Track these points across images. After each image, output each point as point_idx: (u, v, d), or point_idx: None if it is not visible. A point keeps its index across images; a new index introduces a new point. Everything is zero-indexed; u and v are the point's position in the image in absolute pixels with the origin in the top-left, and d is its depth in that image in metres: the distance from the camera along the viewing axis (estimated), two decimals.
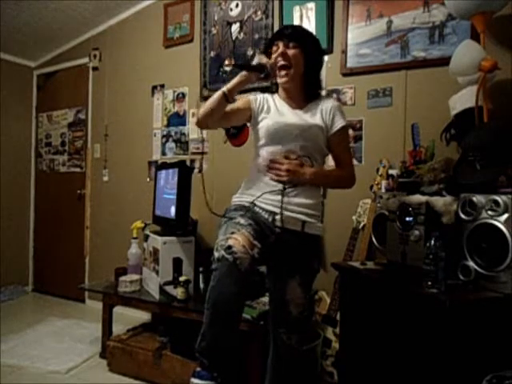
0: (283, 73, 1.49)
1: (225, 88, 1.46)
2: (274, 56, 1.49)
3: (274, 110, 1.55)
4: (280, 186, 1.45)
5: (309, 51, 1.51)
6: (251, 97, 1.60)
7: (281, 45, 1.49)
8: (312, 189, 1.51)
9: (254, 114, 1.56)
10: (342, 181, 1.61)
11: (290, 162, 1.45)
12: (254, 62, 1.47)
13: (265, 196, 1.46)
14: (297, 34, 1.51)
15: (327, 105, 1.55)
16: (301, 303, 1.51)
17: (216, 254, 1.26)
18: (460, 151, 1.84)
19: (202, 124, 1.53)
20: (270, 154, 1.50)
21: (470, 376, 1.24)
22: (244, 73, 1.45)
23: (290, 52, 1.48)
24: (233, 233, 1.30)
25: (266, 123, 1.52)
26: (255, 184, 1.51)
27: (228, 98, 1.45)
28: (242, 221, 1.37)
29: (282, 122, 1.49)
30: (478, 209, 1.42)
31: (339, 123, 1.53)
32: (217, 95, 1.46)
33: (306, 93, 1.56)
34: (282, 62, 1.48)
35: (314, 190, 1.52)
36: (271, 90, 1.67)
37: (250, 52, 2.77)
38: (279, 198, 1.44)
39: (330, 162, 1.67)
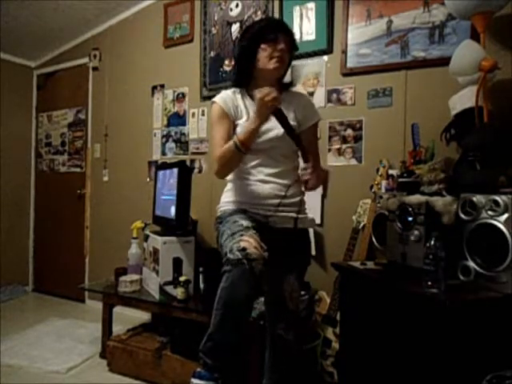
0: (277, 65, 1.45)
1: (237, 139, 1.37)
2: (278, 48, 1.43)
3: (246, 117, 1.49)
4: (277, 199, 1.46)
5: (293, 53, 1.53)
6: (219, 103, 1.50)
7: (283, 41, 1.45)
8: (298, 185, 1.52)
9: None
10: None
11: (321, 172, 1.43)
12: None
13: (254, 201, 1.47)
14: (293, 37, 1.51)
15: (299, 101, 1.56)
16: (297, 296, 1.55)
17: (230, 256, 1.24)
18: (460, 151, 1.84)
19: (223, 177, 1.51)
20: (248, 162, 1.49)
21: (470, 376, 1.24)
22: (263, 115, 1.34)
23: (288, 52, 1.47)
24: (242, 235, 1.29)
25: (239, 131, 1.47)
26: (241, 190, 1.51)
27: (242, 150, 1.37)
28: (245, 223, 1.37)
29: (258, 133, 1.44)
30: (478, 209, 1.42)
31: (313, 119, 1.56)
32: (230, 151, 1.39)
33: (279, 88, 1.52)
34: (277, 65, 1.44)
35: (299, 186, 1.54)
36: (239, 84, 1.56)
37: None
38: (273, 201, 1.46)
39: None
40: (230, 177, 1.56)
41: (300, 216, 1.51)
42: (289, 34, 1.49)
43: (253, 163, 1.49)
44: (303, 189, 1.50)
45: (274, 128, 1.46)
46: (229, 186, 1.58)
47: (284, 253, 1.49)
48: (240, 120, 1.50)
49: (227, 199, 1.54)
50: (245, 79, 1.53)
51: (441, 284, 1.35)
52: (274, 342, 1.56)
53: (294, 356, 1.56)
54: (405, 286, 1.49)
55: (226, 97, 1.53)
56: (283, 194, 1.47)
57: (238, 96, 1.54)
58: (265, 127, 1.43)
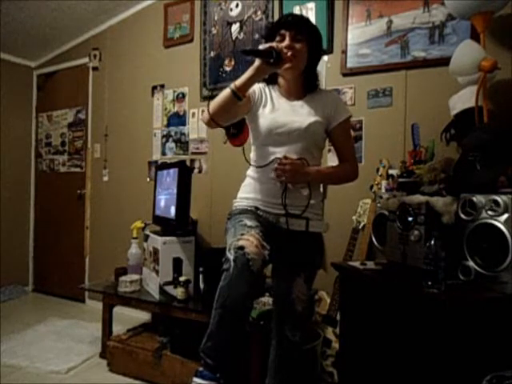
0: (287, 65, 1.42)
1: (233, 85, 1.35)
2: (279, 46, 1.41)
3: (271, 107, 1.51)
4: (281, 189, 1.45)
5: (313, 47, 1.47)
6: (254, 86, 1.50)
7: (288, 36, 1.43)
8: (314, 189, 1.50)
9: (252, 106, 1.51)
10: (345, 176, 1.58)
11: (292, 162, 1.42)
12: (261, 47, 1.34)
13: (267, 200, 1.47)
14: (305, 27, 1.46)
15: (328, 98, 1.53)
16: (305, 299, 1.53)
17: (229, 255, 1.25)
18: (460, 151, 1.84)
19: (210, 125, 1.47)
20: (268, 157, 1.47)
21: (470, 376, 1.24)
22: (256, 63, 1.33)
23: (297, 46, 1.42)
24: (242, 234, 1.30)
25: (263, 122, 1.48)
26: (255, 187, 1.51)
27: (239, 96, 1.35)
28: (249, 223, 1.38)
29: (280, 124, 1.46)
30: (478, 209, 1.42)
31: (343, 115, 1.51)
32: (225, 94, 1.37)
33: (304, 85, 1.53)
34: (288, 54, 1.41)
35: (316, 190, 1.52)
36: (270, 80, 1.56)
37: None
38: (281, 201, 1.45)
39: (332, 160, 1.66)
40: (248, 171, 1.57)
41: (312, 219, 1.49)
42: (294, 27, 1.43)
43: (272, 157, 1.46)
44: (273, 175, 1.44)
45: (297, 121, 1.46)
46: (246, 181, 1.58)
47: (293, 255, 1.48)
48: (264, 109, 1.50)
49: (242, 195, 1.55)
50: (271, 78, 1.54)
51: (441, 284, 1.35)
52: (280, 342, 1.55)
53: (298, 357, 1.55)
54: (405, 286, 1.49)
55: (260, 86, 1.55)
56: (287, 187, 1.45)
57: (267, 89, 1.55)
58: (288, 118, 1.45)
